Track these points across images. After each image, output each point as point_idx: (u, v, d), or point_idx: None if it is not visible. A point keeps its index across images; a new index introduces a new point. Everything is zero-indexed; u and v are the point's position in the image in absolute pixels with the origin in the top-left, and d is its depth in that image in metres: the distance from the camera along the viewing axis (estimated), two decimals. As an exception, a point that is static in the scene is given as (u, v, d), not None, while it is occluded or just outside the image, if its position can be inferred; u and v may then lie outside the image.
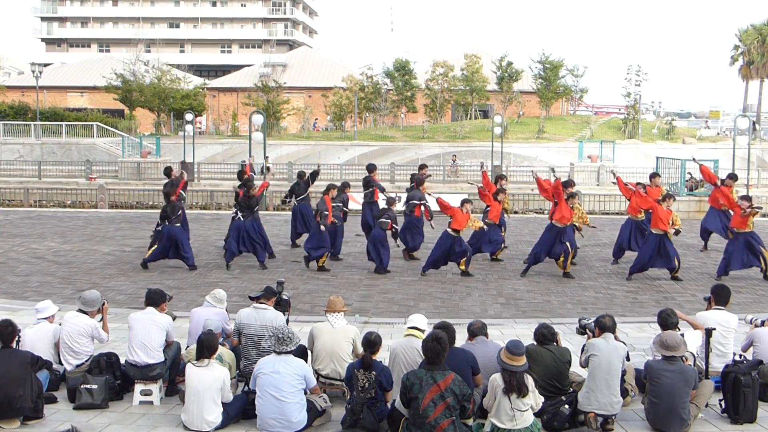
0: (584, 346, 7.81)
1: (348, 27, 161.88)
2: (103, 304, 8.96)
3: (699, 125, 67.42)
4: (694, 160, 21.29)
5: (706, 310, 8.98)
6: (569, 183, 16.33)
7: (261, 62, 71.77)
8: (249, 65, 73.89)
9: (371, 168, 19.10)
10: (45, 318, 8.85)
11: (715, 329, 8.41)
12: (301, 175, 18.94)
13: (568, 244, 15.44)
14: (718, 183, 17.88)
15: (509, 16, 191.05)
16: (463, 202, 15.56)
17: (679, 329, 8.18)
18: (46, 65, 67.40)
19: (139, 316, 8.46)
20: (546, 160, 45.10)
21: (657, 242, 14.94)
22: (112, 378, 8.33)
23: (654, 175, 18.14)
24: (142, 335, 8.29)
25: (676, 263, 15.18)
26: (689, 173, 29.76)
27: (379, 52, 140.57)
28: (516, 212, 27.77)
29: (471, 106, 57.03)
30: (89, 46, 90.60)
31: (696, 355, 8.36)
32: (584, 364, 7.65)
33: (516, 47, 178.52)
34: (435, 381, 6.64)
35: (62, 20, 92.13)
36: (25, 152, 45.45)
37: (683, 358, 7.67)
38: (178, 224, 16.06)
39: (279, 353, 7.41)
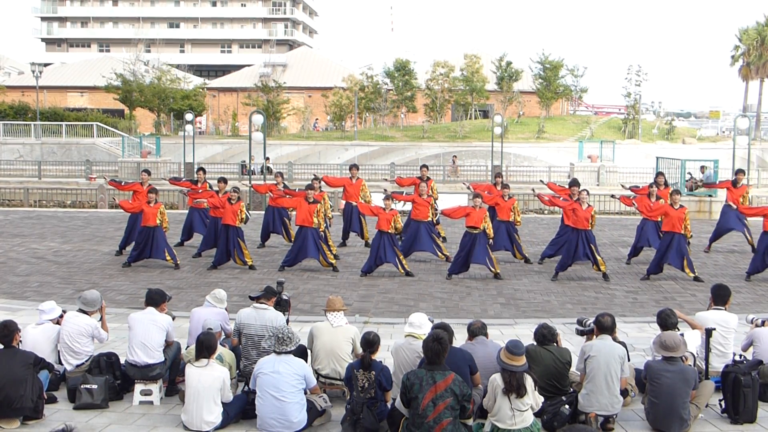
0: (582, 349, 7.74)
1: (348, 27, 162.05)
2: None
3: (700, 125, 67.30)
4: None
5: (707, 310, 9.00)
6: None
7: (261, 62, 71.79)
8: (249, 65, 73.90)
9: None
10: (51, 320, 8.83)
11: (714, 329, 8.42)
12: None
13: None
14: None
15: (509, 16, 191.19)
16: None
17: (679, 329, 8.18)
18: (46, 65, 67.40)
19: (139, 316, 8.46)
20: (546, 160, 45.13)
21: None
22: (112, 378, 8.33)
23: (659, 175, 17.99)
24: (142, 335, 8.29)
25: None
26: (689, 173, 29.76)
27: (379, 52, 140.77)
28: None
29: (471, 106, 57.02)
30: (89, 46, 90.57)
31: (696, 355, 8.36)
32: (582, 371, 7.60)
33: (516, 47, 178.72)
34: (435, 381, 6.64)
35: (62, 20, 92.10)
36: (25, 152, 45.46)
37: (683, 358, 7.66)
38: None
39: (279, 353, 7.41)
